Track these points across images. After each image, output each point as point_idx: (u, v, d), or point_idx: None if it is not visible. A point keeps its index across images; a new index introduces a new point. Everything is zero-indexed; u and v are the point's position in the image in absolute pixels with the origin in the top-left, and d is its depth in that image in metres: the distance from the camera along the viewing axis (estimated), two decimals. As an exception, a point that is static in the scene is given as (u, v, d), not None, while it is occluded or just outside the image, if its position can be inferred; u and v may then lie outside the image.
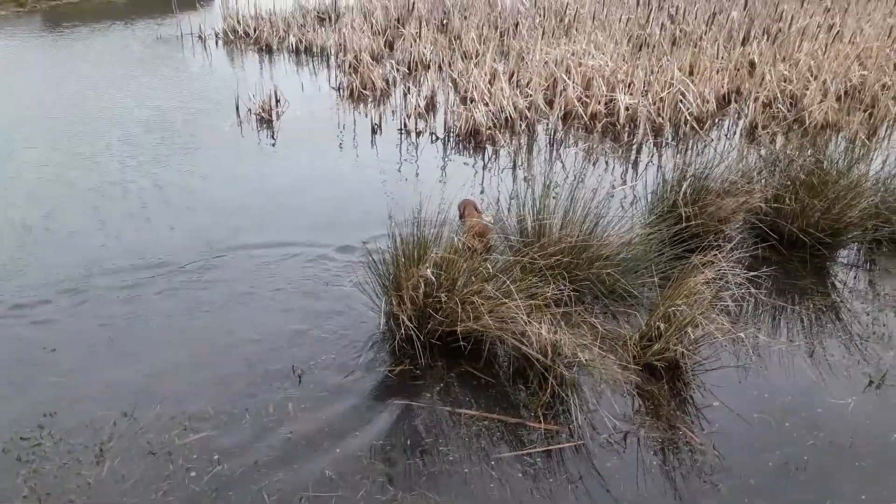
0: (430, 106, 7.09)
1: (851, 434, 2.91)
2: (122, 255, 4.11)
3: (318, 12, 11.04)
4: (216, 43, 9.97)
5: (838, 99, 7.12)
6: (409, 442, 2.80)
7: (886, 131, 6.82)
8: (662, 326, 3.12)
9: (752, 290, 3.55)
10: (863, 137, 6.46)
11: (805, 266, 4.24)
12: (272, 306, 3.68)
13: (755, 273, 3.62)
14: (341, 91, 7.62)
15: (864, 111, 7.02)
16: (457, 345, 3.24)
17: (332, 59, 8.88)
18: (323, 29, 10.08)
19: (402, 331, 3.22)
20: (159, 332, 3.45)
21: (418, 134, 6.42)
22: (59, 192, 4.93)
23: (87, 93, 7.37)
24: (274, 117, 6.64)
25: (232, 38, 10.13)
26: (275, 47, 9.51)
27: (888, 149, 6.34)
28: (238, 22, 10.29)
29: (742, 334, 3.18)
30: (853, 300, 3.96)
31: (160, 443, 2.72)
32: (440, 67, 8.13)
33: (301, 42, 9.45)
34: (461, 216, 4.25)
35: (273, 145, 6.08)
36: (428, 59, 8.43)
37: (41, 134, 6.07)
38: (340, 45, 8.93)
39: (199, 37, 10.14)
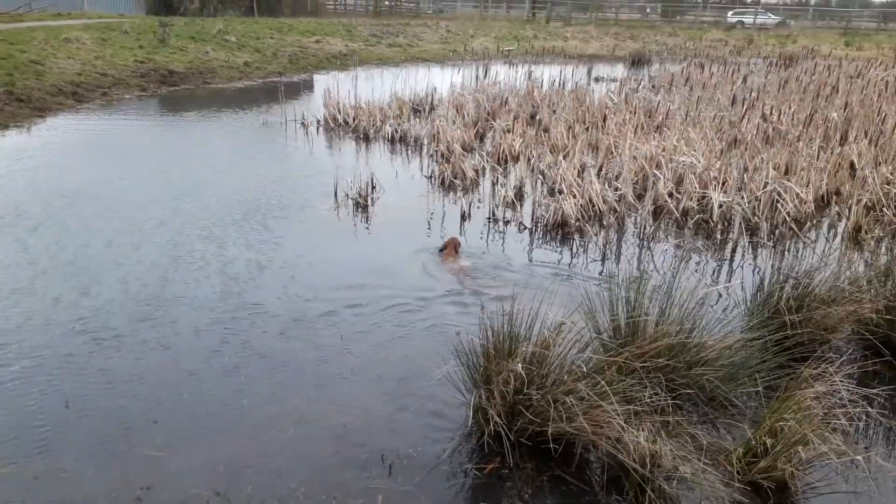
0: (519, 196, 7.21)
1: None
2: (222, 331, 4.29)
3: (413, 104, 11.61)
4: (317, 130, 10.60)
5: (949, 204, 6.78)
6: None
7: None
8: (769, 442, 2.94)
9: (868, 409, 3.31)
10: (978, 246, 6.08)
11: (923, 384, 3.93)
12: (363, 389, 3.72)
13: (871, 391, 3.38)
14: (433, 179, 7.88)
15: (983, 217, 6.63)
16: (547, 446, 3.16)
17: (425, 148, 9.25)
18: (417, 120, 10.57)
19: (491, 427, 3.17)
20: (257, 409, 3.53)
21: (506, 223, 6.51)
22: (167, 263, 5.25)
23: (201, 173, 7.93)
24: (369, 202, 6.91)
25: (332, 125, 10.75)
26: (371, 136, 10.01)
27: None
28: (338, 111, 10.93)
29: (860, 457, 2.95)
30: (981, 425, 3.62)
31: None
32: (528, 160, 8.30)
33: (396, 131, 9.91)
34: (441, 249, 4.44)
35: (367, 228, 6.30)
36: (517, 150, 8.64)
37: (159, 211, 6.53)
38: (433, 135, 9.31)
39: (302, 123, 10.81)
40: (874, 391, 3.46)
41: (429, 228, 6.30)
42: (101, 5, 29.04)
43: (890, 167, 7.53)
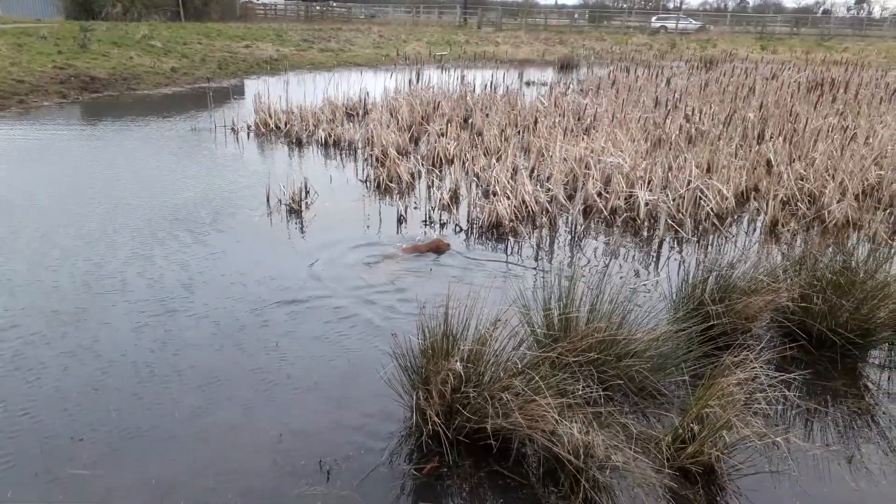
0: (454, 198, 7.27)
1: (899, 548, 2.79)
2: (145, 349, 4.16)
3: (347, 108, 11.54)
4: (248, 135, 10.39)
5: (857, 198, 7.21)
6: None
7: (908, 230, 6.84)
8: (696, 428, 3.07)
9: (786, 392, 3.49)
10: (884, 236, 6.49)
11: (836, 367, 4.17)
12: (299, 396, 3.67)
13: (788, 375, 3.57)
14: (368, 183, 7.85)
15: (884, 210, 7.08)
16: (485, 443, 3.20)
17: (360, 152, 9.20)
18: (351, 124, 10.50)
19: (430, 426, 3.19)
20: (190, 422, 3.44)
21: (442, 225, 6.56)
22: (83, 270, 5.05)
23: (126, 182, 7.66)
24: (303, 207, 6.83)
25: (263, 130, 10.57)
26: (304, 140, 9.89)
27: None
28: (269, 115, 10.76)
29: (780, 439, 3.10)
30: (889, 403, 3.87)
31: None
32: (463, 163, 8.38)
33: (330, 136, 9.83)
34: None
35: (302, 234, 6.22)
36: (452, 154, 8.71)
37: (73, 222, 6.27)
38: (368, 139, 9.28)
39: (233, 129, 10.58)
40: (792, 375, 3.67)
41: (365, 232, 6.28)
42: (16, 10, 27.71)
43: (803, 163, 7.96)
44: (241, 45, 22.38)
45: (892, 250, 4.94)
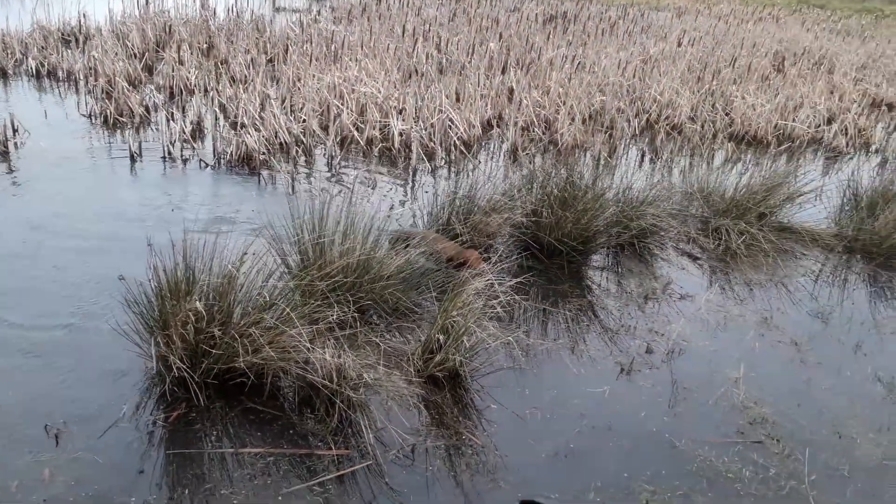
0: (198, 132, 6.74)
1: (609, 417, 3.27)
2: None
3: (63, 34, 9.96)
4: (-69, 64, 8.53)
5: (584, 122, 8.04)
6: (187, 492, 2.59)
7: (623, 149, 7.83)
8: (442, 338, 3.25)
9: (517, 297, 3.85)
10: (605, 155, 7.36)
11: (563, 272, 4.69)
12: (18, 362, 3.20)
13: (520, 280, 3.93)
14: (93, 118, 6.93)
15: (605, 132, 8.00)
16: (237, 381, 3.08)
17: (82, 83, 8.05)
18: (69, 51, 9.11)
19: (175, 372, 2.98)
20: None
21: (185, 161, 6.06)
22: None
23: None
24: (12, 148, 5.83)
25: (-47, 58, 8.74)
26: (11, 71, 8.38)
27: (625, 164, 7.29)
28: (-40, 41, 8.91)
29: (511, 338, 3.42)
30: (605, 298, 4.47)
31: None
32: (206, 91, 7.77)
33: (43, 65, 8.44)
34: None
35: (13, 179, 5.33)
36: (193, 84, 8.01)
37: None
38: (91, 69, 8.13)
39: None
40: (524, 281, 4.04)
41: (91, 173, 5.57)
42: None
43: (540, 92, 8.64)
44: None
45: (607, 165, 5.63)
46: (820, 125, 9.03)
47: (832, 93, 10.50)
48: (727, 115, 8.95)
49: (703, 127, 8.53)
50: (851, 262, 5.44)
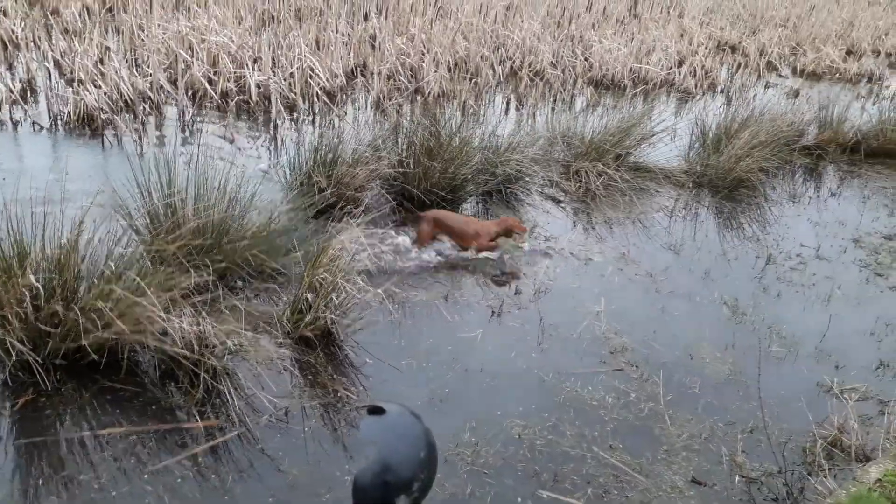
0: (29, 91, 6.06)
1: (481, 360, 3.36)
2: None
3: None
4: None
5: (449, 69, 8.00)
6: (41, 482, 2.40)
7: (488, 96, 7.90)
8: (310, 297, 3.17)
9: (382, 247, 3.83)
10: (471, 103, 7.40)
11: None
12: None
13: (385, 230, 3.90)
14: None
15: (470, 79, 8.02)
16: (89, 360, 2.86)
17: None
18: None
19: (14, 357, 2.72)
20: None
21: (15, 124, 5.44)
22: None
23: None
24: None
25: None
26: None
27: (491, 112, 7.38)
28: None
29: (380, 290, 3.40)
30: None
31: None
32: (37, 45, 6.98)
33: None
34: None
35: None
36: (18, 37, 7.15)
37: None
38: None
39: None
40: (390, 229, 4.01)
41: None
42: None
43: (403, 38, 8.47)
44: None
45: (472, 113, 5.66)
46: (672, 68, 9.55)
47: (682, 36, 11.11)
48: (586, 59, 9.24)
49: (563, 72, 8.77)
50: (700, 196, 5.87)
